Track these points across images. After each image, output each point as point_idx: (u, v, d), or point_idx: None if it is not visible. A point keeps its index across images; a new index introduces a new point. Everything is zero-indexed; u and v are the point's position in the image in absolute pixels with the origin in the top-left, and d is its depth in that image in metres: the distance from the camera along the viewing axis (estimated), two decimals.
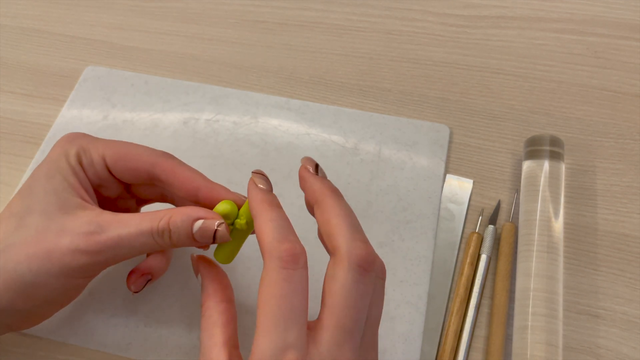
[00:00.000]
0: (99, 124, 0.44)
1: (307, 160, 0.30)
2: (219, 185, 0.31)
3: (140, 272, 0.32)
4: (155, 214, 0.29)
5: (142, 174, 0.31)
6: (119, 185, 0.33)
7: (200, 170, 0.34)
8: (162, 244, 0.28)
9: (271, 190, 0.29)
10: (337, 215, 0.26)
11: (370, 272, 0.25)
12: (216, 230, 0.28)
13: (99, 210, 0.29)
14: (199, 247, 0.30)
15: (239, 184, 0.41)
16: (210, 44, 0.49)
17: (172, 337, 0.35)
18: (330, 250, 0.26)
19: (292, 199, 0.40)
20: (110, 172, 0.31)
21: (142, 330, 0.35)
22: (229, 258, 0.32)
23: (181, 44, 0.50)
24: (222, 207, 0.30)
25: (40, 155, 0.43)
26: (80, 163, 0.30)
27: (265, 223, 0.26)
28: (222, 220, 0.29)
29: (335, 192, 0.28)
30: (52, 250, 0.27)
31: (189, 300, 0.36)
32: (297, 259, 0.25)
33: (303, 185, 0.29)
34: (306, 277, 0.25)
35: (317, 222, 0.28)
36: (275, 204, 0.28)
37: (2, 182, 0.42)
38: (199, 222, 0.28)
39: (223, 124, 0.44)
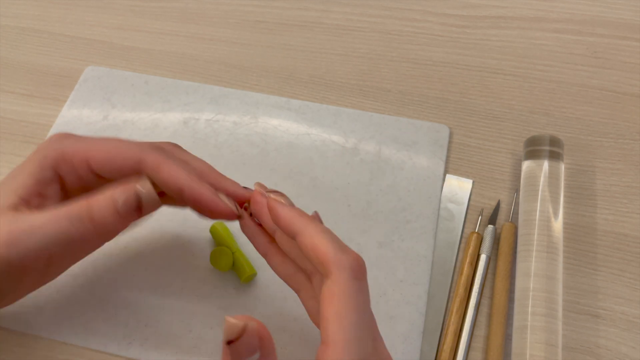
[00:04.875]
0: (99, 124, 0.44)
1: (260, 186, 0.30)
2: (203, 186, 0.29)
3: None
4: (73, 200, 0.28)
5: (129, 172, 0.30)
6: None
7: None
8: (82, 228, 0.27)
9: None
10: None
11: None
12: (137, 192, 0.27)
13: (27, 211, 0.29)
14: (126, 223, 0.28)
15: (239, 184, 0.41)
16: (210, 44, 0.50)
17: (172, 337, 0.35)
18: (322, 271, 0.25)
19: (292, 199, 0.40)
20: (96, 173, 0.30)
21: (142, 330, 0.35)
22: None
23: (181, 44, 0.50)
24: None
25: None
26: (56, 169, 0.30)
27: (318, 235, 0.25)
28: (146, 181, 0.28)
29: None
30: None
31: (189, 300, 0.36)
32: (365, 269, 0.25)
33: (276, 218, 0.27)
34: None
35: (302, 248, 0.26)
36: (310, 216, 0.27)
37: None
38: (120, 191, 0.28)
39: (223, 124, 0.44)
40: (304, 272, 0.29)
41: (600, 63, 0.47)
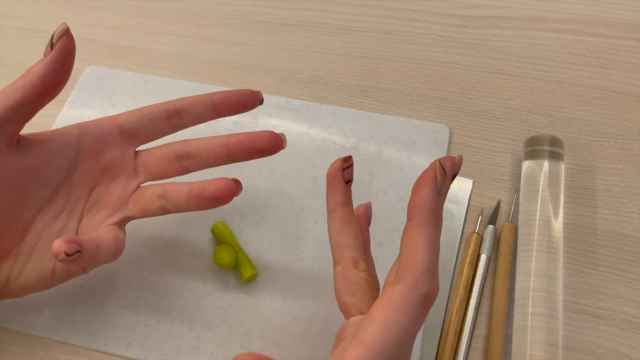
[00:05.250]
0: None
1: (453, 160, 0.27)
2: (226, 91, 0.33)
3: (72, 239, 0.28)
4: None
5: (159, 114, 0.33)
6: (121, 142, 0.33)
7: (201, 172, 0.35)
8: (22, 89, 0.29)
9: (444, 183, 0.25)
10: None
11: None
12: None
13: None
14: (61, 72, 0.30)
15: None
16: (210, 44, 0.50)
17: (172, 337, 0.35)
18: (400, 272, 0.25)
19: (292, 199, 0.40)
20: (122, 131, 0.33)
21: (142, 330, 0.35)
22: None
23: (181, 44, 0.50)
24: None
25: None
26: (83, 129, 0.33)
27: (426, 243, 0.24)
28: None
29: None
30: None
31: (189, 300, 0.36)
32: (433, 302, 0.24)
33: (415, 194, 0.25)
34: None
35: (404, 235, 0.26)
36: (440, 220, 0.25)
37: None
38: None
39: (223, 124, 0.44)
40: (355, 251, 0.29)
41: (600, 63, 0.47)
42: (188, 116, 0.32)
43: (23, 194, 0.31)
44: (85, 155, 0.32)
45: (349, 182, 0.29)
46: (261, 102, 0.33)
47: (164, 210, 0.33)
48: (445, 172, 0.25)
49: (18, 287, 0.31)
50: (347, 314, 0.28)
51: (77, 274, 0.32)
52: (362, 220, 0.32)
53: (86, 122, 0.33)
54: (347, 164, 0.29)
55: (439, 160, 0.25)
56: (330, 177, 0.29)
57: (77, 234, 0.32)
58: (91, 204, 0.33)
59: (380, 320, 0.23)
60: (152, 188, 0.33)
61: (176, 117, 0.32)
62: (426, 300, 0.24)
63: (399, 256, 0.26)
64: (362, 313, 0.27)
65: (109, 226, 0.32)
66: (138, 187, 0.33)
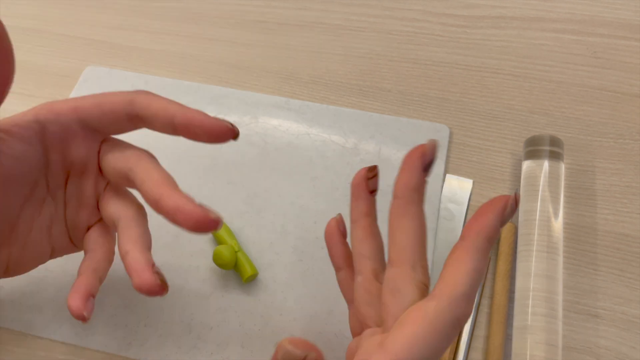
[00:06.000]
0: None
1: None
2: (194, 110, 0.29)
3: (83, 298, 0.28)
4: None
5: (121, 115, 0.30)
6: (89, 145, 0.32)
7: (200, 171, 0.34)
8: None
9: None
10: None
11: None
12: None
13: None
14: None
15: (239, 184, 0.41)
16: (210, 44, 0.50)
17: (172, 337, 0.35)
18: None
19: (292, 199, 0.40)
20: (83, 125, 0.31)
21: (142, 330, 0.35)
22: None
23: (181, 44, 0.50)
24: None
25: None
26: (38, 116, 0.31)
27: (472, 269, 0.24)
28: None
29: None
30: None
31: (189, 300, 0.36)
32: (463, 327, 0.24)
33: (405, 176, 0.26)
34: None
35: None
36: (489, 248, 0.25)
37: None
38: None
39: None
40: (375, 263, 0.28)
41: (600, 63, 0.47)
42: (148, 124, 0.31)
43: (1, 197, 0.30)
44: (51, 151, 0.31)
45: (373, 192, 0.29)
46: (235, 137, 0.29)
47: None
48: (517, 206, 0.25)
49: (19, 270, 0.32)
50: (363, 325, 0.28)
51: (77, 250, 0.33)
52: None
53: (43, 111, 0.31)
54: (371, 173, 0.28)
55: (516, 193, 0.25)
56: (354, 186, 0.29)
57: (65, 220, 0.32)
58: (69, 196, 0.32)
59: (409, 333, 0.23)
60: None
61: (139, 121, 0.31)
62: (458, 323, 0.23)
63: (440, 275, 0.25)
64: (378, 326, 0.27)
65: (100, 240, 0.32)
66: (107, 184, 0.33)
